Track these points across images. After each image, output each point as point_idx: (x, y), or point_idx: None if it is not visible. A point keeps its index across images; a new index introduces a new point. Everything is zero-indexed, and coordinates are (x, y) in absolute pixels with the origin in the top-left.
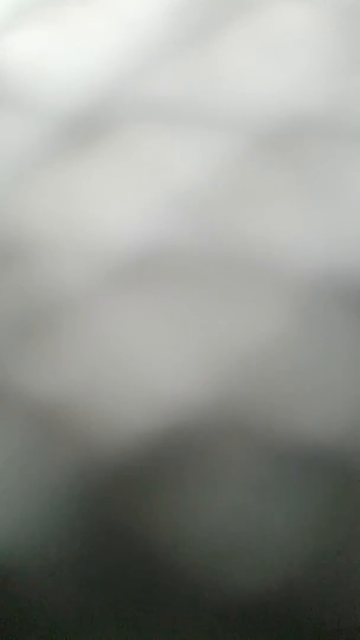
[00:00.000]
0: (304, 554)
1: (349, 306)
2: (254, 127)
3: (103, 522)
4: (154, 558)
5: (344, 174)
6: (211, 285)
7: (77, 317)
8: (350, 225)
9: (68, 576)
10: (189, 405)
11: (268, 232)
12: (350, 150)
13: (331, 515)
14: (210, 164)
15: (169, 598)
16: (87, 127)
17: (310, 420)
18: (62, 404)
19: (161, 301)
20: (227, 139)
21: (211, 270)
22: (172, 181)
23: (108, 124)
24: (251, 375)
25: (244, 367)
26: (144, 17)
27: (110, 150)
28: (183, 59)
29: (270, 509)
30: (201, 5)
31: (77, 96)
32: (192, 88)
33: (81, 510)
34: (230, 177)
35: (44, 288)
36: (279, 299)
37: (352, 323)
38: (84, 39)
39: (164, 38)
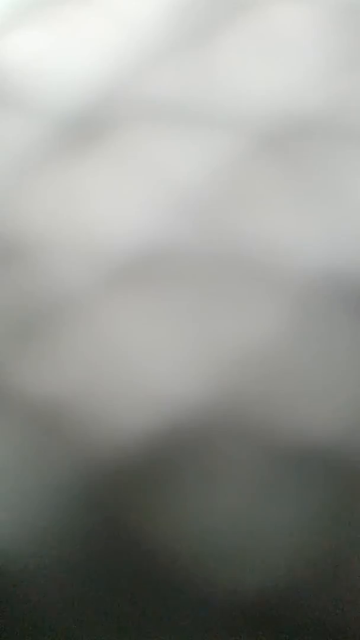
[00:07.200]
0: (304, 554)
1: (349, 306)
2: (254, 127)
3: (103, 522)
4: (154, 558)
5: (344, 173)
6: (211, 285)
7: (77, 316)
8: (351, 225)
9: (68, 576)
10: (188, 405)
11: (268, 231)
12: (350, 150)
13: (331, 515)
14: (211, 163)
15: (169, 598)
16: (87, 127)
17: (310, 420)
18: (62, 403)
19: (161, 301)
20: (227, 139)
21: (211, 270)
22: (173, 181)
23: (108, 124)
24: (251, 375)
25: (244, 367)
26: (144, 17)
27: (111, 150)
28: (183, 58)
29: (270, 508)
30: (201, 5)
31: (78, 96)
32: (193, 88)
33: (81, 510)
34: (231, 176)
35: (44, 287)
36: (279, 299)
37: (352, 323)
38: (84, 39)
39: (164, 38)
